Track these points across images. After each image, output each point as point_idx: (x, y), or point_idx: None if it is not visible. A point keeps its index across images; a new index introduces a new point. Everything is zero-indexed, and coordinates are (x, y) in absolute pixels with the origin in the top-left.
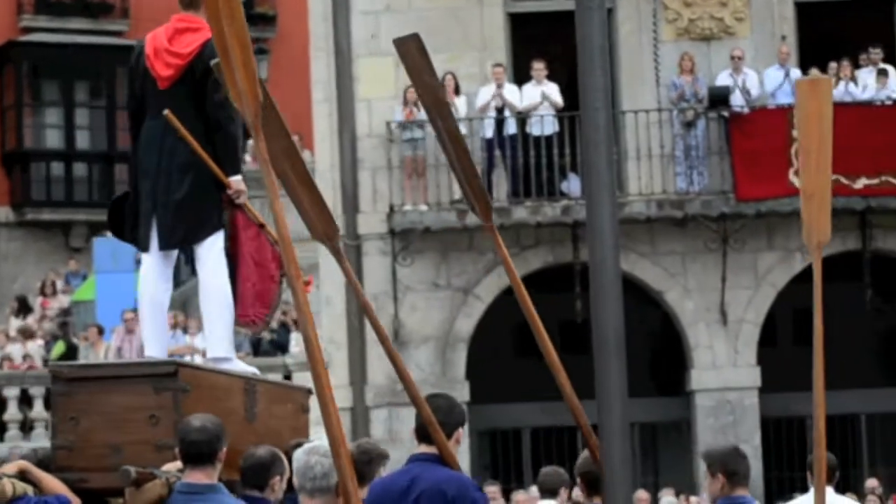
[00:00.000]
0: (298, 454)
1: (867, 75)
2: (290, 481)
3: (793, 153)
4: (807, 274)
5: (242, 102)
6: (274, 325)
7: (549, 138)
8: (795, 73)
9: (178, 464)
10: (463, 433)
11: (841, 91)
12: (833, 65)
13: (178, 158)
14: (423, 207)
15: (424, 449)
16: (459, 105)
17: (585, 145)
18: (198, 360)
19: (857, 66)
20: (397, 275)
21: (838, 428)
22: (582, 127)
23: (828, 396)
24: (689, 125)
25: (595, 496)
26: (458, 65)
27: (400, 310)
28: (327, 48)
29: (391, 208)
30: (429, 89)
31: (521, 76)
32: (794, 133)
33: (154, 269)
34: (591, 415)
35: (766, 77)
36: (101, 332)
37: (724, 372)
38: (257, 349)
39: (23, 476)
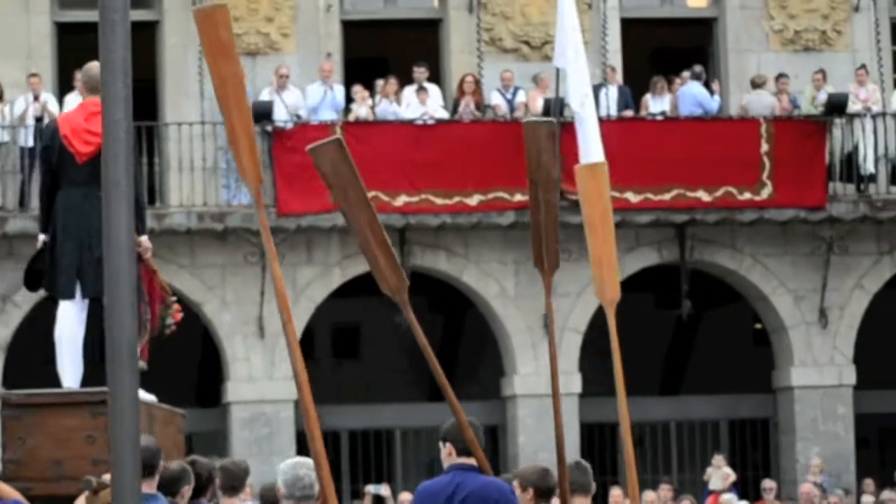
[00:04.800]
0: (286, 468)
1: (411, 94)
2: (196, 489)
3: None
4: (344, 288)
5: (247, 180)
6: None
7: None
8: (339, 89)
9: None
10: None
11: (386, 110)
12: (380, 82)
13: (97, 221)
14: None
15: (464, 460)
16: (5, 113)
17: (105, 157)
18: None
19: (404, 84)
20: None
21: (373, 442)
22: (103, 138)
23: (363, 411)
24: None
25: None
26: (3, 72)
27: None
28: None
29: None
30: (543, 167)
31: (69, 85)
32: None
33: (72, 312)
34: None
35: (308, 93)
36: None
37: (261, 384)
38: None
39: None
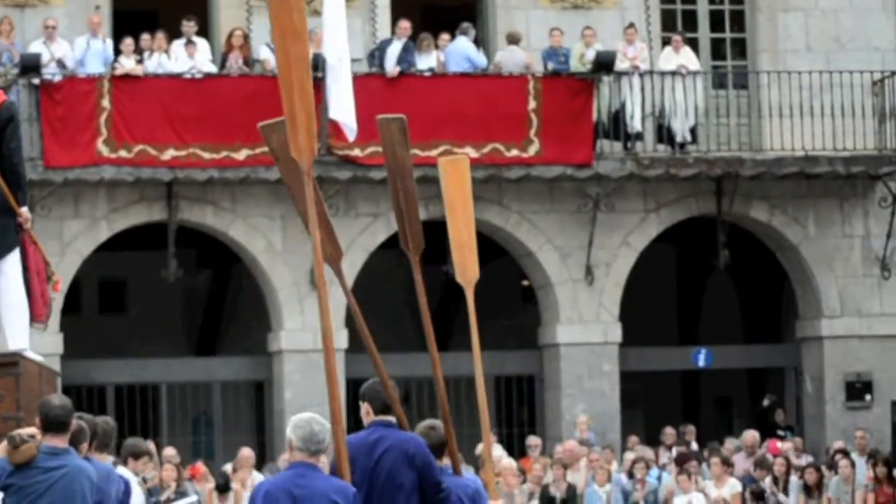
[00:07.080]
0: (300, 422)
1: (179, 48)
2: (90, 444)
3: (101, 122)
4: (111, 242)
5: (301, 156)
6: None
7: None
8: (108, 42)
9: (30, 430)
10: None
11: (154, 63)
12: (146, 37)
13: None
14: None
15: (383, 417)
16: None
17: None
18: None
19: (171, 39)
20: None
21: (139, 397)
22: None
23: (129, 365)
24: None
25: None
26: None
27: None
28: None
29: None
30: (399, 160)
31: None
32: (104, 102)
33: None
34: None
35: (76, 46)
36: None
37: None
38: None
39: None
